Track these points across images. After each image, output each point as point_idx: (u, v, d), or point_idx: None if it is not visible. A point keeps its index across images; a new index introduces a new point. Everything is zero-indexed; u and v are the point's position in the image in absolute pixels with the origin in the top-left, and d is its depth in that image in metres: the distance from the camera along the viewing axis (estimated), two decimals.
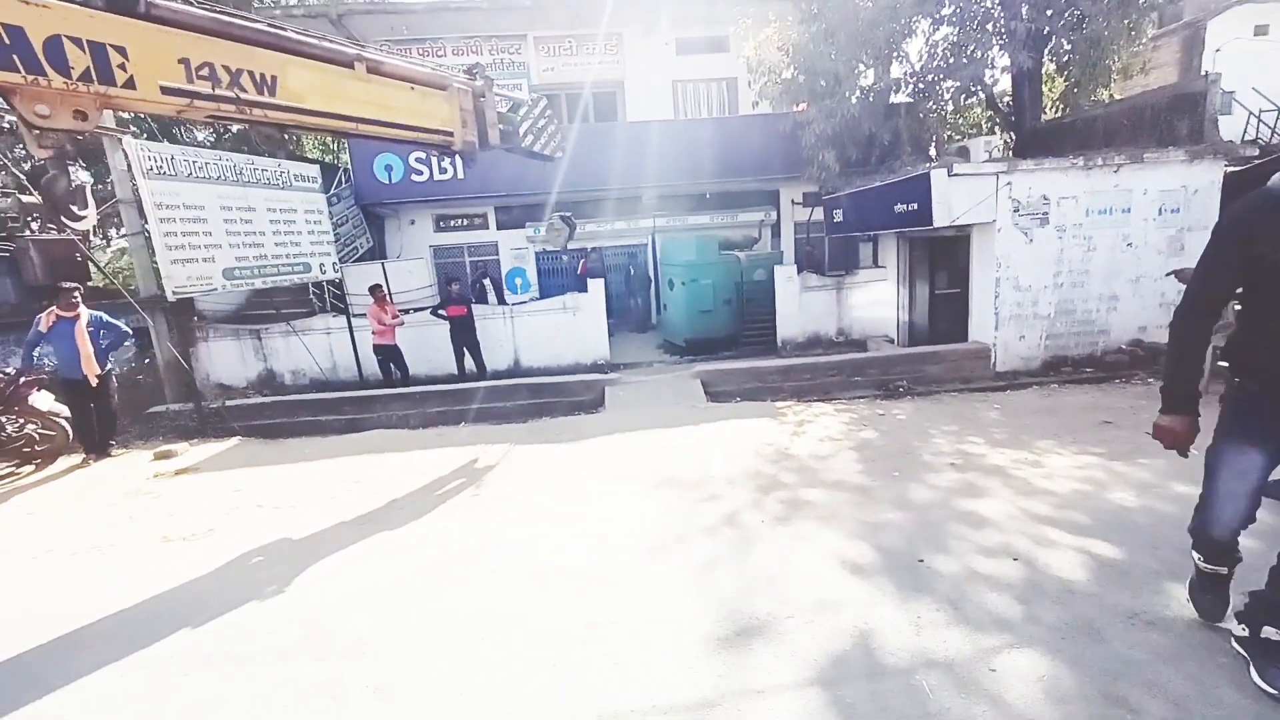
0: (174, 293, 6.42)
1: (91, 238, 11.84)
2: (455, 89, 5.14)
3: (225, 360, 9.12)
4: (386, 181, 11.21)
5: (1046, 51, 9.59)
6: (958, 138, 12.02)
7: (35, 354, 5.42)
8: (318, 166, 8.81)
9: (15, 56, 2.98)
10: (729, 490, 3.84)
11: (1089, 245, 7.04)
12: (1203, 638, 2.13)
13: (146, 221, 6.48)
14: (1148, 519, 3.06)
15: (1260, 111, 12.07)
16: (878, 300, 9.83)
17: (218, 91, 3.73)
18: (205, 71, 3.66)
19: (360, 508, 4.01)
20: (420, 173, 11.25)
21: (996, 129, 11.32)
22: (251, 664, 2.41)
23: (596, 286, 9.54)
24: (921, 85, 10.04)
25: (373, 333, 8.19)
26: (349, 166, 11.43)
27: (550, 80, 13.01)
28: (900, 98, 10.44)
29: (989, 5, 9.37)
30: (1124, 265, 7.10)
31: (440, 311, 8.49)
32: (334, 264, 8.81)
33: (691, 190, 12.43)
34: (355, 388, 8.74)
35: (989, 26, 9.43)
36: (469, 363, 8.79)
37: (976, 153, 8.87)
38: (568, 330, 9.61)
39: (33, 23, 3.00)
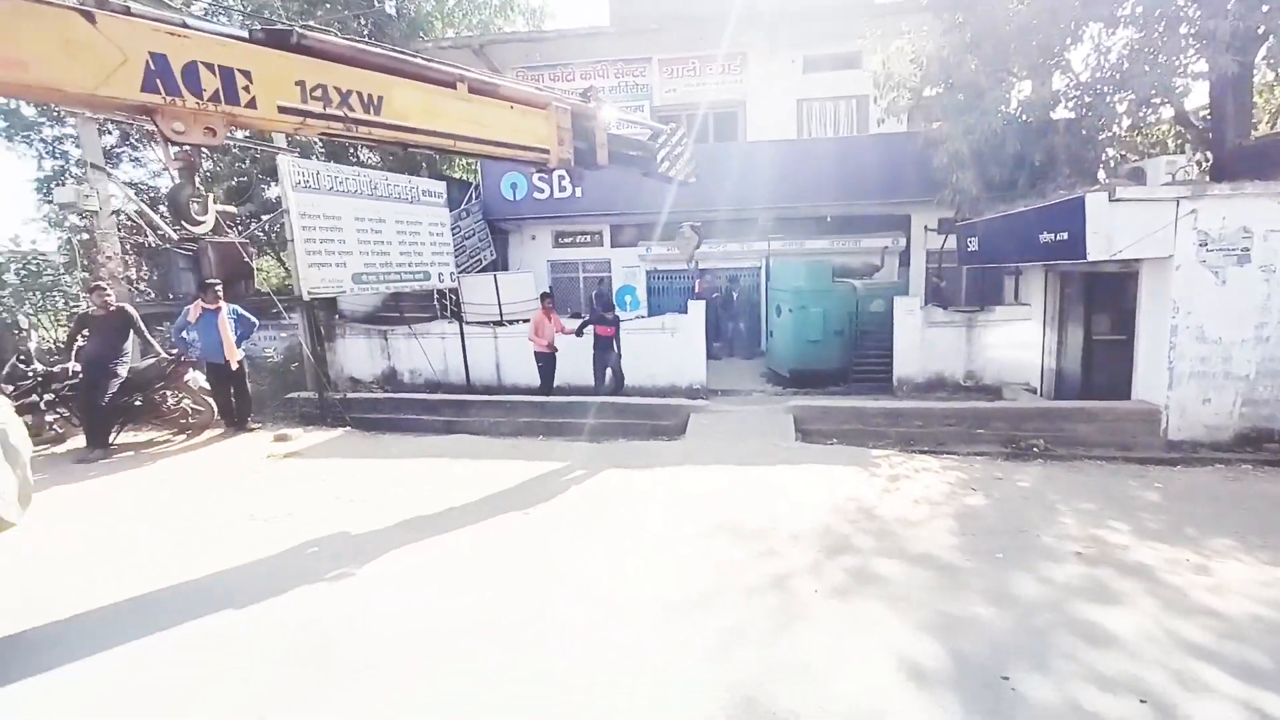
0: (309, 293, 7.15)
1: (264, 239, 13.76)
2: (555, 108, 5.22)
3: (356, 356, 10.07)
4: (511, 198, 11.88)
5: (1260, 55, 7.88)
6: (1134, 158, 10.28)
7: (183, 337, 6.25)
8: (444, 183, 9.48)
9: (158, 80, 3.41)
10: (789, 547, 3.39)
11: None
12: None
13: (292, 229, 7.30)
14: None
15: None
16: (1018, 342, 8.58)
17: (328, 110, 4.03)
18: (318, 92, 3.96)
19: (418, 511, 4.09)
20: (542, 191, 11.79)
21: (1187, 147, 9.51)
22: (264, 656, 2.45)
23: (696, 309, 9.29)
24: (1088, 98, 8.69)
25: (530, 339, 8.22)
26: (479, 183, 12.28)
27: (672, 101, 13.09)
28: (1062, 112, 9.14)
29: (1181, 2, 7.90)
30: None
31: (584, 330, 8.22)
32: (451, 273, 9.40)
33: (811, 213, 11.82)
34: (462, 391, 9.21)
35: (1180, 28, 7.95)
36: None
37: (1156, 175, 7.47)
38: (665, 351, 9.44)
39: (174, 50, 3.40)
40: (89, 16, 3.16)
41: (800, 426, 6.44)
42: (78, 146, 14.13)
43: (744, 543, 3.47)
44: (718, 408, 7.54)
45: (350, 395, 8.18)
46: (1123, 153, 10.47)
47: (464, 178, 13.47)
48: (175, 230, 8.11)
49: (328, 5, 14.15)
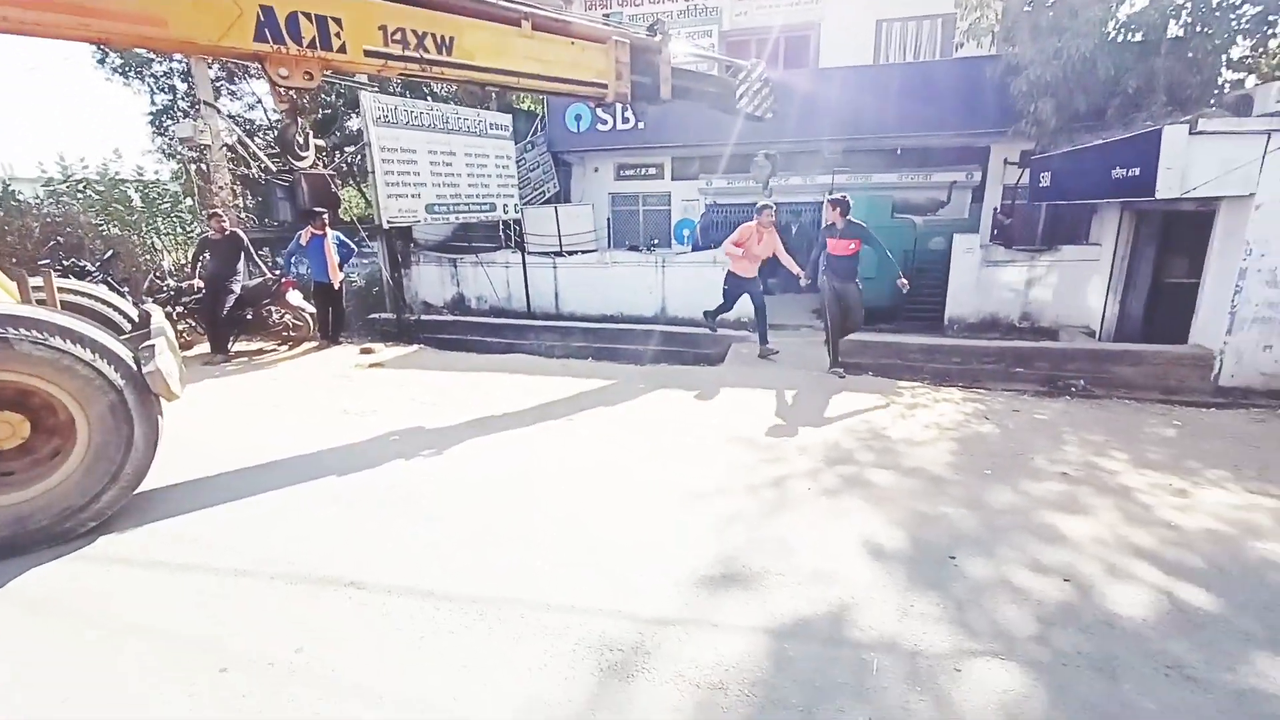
0: (388, 222, 7.89)
1: (348, 170, 14.69)
2: (613, 42, 5.44)
3: (429, 282, 10.93)
4: (575, 130, 12.07)
5: None
6: (1258, 81, 9.18)
7: (293, 261, 7.14)
8: (510, 116, 9.83)
9: (267, 30, 3.95)
10: (796, 456, 3.83)
11: None
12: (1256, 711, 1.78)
13: (373, 161, 7.97)
14: None
15: None
16: (1082, 284, 8.27)
17: (406, 53, 4.49)
18: (398, 36, 4.41)
19: (481, 412, 4.78)
20: (605, 123, 11.89)
21: None
22: (362, 506, 3.20)
23: None
24: (1203, 11, 7.81)
25: (729, 254, 6.81)
26: (544, 115, 12.52)
27: (743, 25, 12.62)
28: (1174, 29, 8.26)
29: None
30: None
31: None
32: (515, 205, 9.92)
33: (881, 145, 11.39)
34: (523, 316, 9.92)
35: None
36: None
37: (1265, 103, 6.83)
38: (717, 285, 9.68)
39: (279, 3, 3.92)
40: None
41: (839, 358, 6.69)
42: (183, 81, 15.38)
43: (757, 451, 3.93)
44: None
45: (424, 317, 9.05)
46: (1241, 76, 9.39)
47: (531, 108, 13.70)
48: (275, 163, 8.98)
49: None
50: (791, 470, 3.61)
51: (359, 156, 11.63)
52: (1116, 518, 2.99)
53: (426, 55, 4.62)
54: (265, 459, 3.83)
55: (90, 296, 4.29)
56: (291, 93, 4.47)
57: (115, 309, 4.30)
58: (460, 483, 3.49)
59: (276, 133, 4.37)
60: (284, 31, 4.02)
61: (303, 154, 4.58)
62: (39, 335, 2.62)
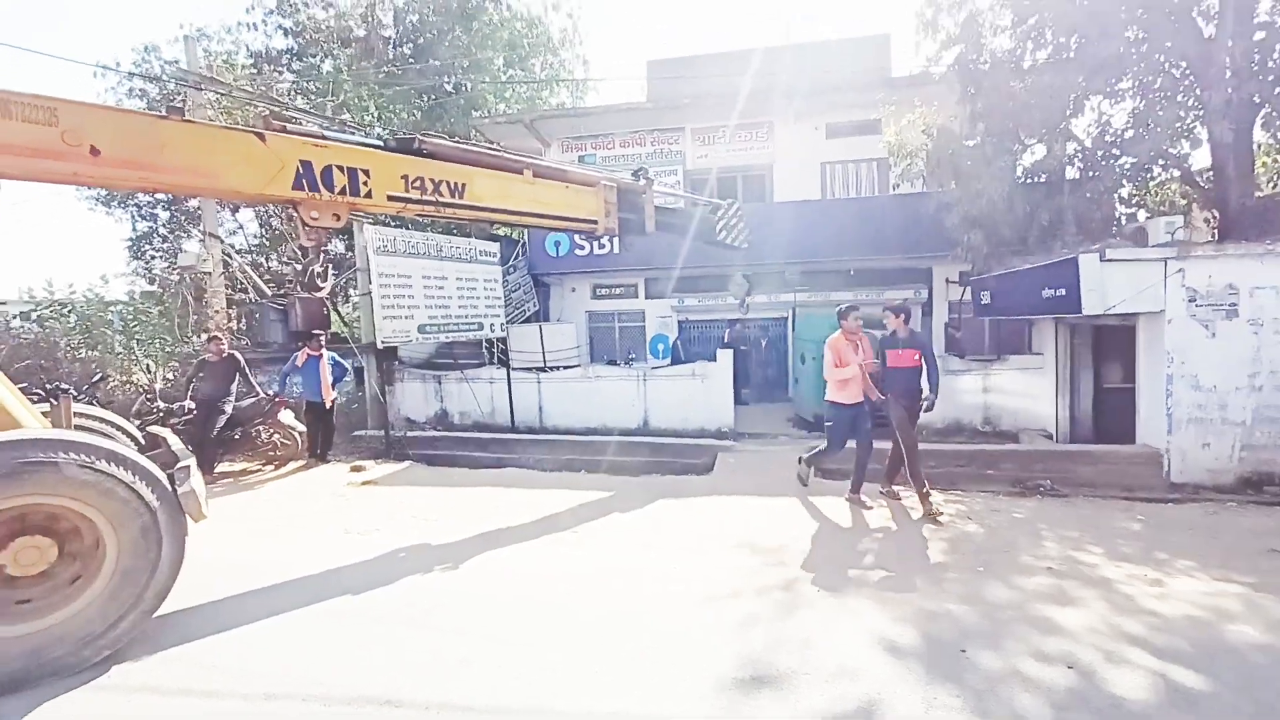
0: (383, 341, 8.18)
1: (336, 295, 15.24)
2: (602, 185, 6.18)
3: (413, 398, 11.05)
4: (554, 255, 12.97)
5: (1258, 121, 8.46)
6: (1146, 215, 10.77)
7: (288, 381, 7.26)
8: (498, 243, 10.60)
9: (304, 180, 4.44)
10: (797, 559, 3.99)
11: None
12: None
13: (371, 286, 8.42)
14: (1267, 659, 2.68)
15: None
16: (1031, 390, 9.01)
17: (423, 197, 5.04)
18: (418, 183, 4.96)
19: (485, 527, 4.81)
20: (583, 248, 12.84)
21: (1194, 206, 9.99)
22: (384, 624, 3.18)
23: (725, 356, 10.00)
24: (1092, 162, 9.35)
25: (833, 378, 5.42)
26: (525, 241, 13.46)
27: (704, 165, 14.18)
28: (1070, 173, 9.80)
29: (1176, 75, 8.60)
30: None
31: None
32: (501, 324, 10.40)
33: (835, 266, 12.55)
34: (507, 431, 10.04)
35: (1178, 97, 8.62)
36: None
37: (1156, 234, 8.05)
38: (696, 396, 10.12)
39: (317, 158, 4.44)
40: (261, 136, 4.22)
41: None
42: (166, 209, 16.12)
43: (760, 555, 4.08)
44: (744, 448, 8.15)
45: (409, 434, 9.08)
46: (1133, 210, 11.01)
47: (513, 235, 14.72)
48: (269, 288, 9.38)
49: (395, 88, 15.97)
50: (796, 573, 3.76)
51: (346, 281, 12.18)
52: (1104, 608, 3.22)
53: (441, 199, 5.18)
54: (273, 580, 3.77)
55: (99, 420, 4.35)
56: (317, 232, 4.91)
57: (124, 431, 4.35)
58: (479, 596, 3.51)
59: (301, 266, 4.71)
60: (319, 181, 4.52)
61: (322, 285, 4.94)
62: (85, 459, 2.71)
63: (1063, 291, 6.87)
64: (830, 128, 13.77)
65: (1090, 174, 9.46)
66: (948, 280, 12.35)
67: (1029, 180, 9.54)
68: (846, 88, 12.85)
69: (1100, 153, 9.28)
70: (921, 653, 2.79)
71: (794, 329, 12.98)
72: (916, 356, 5.41)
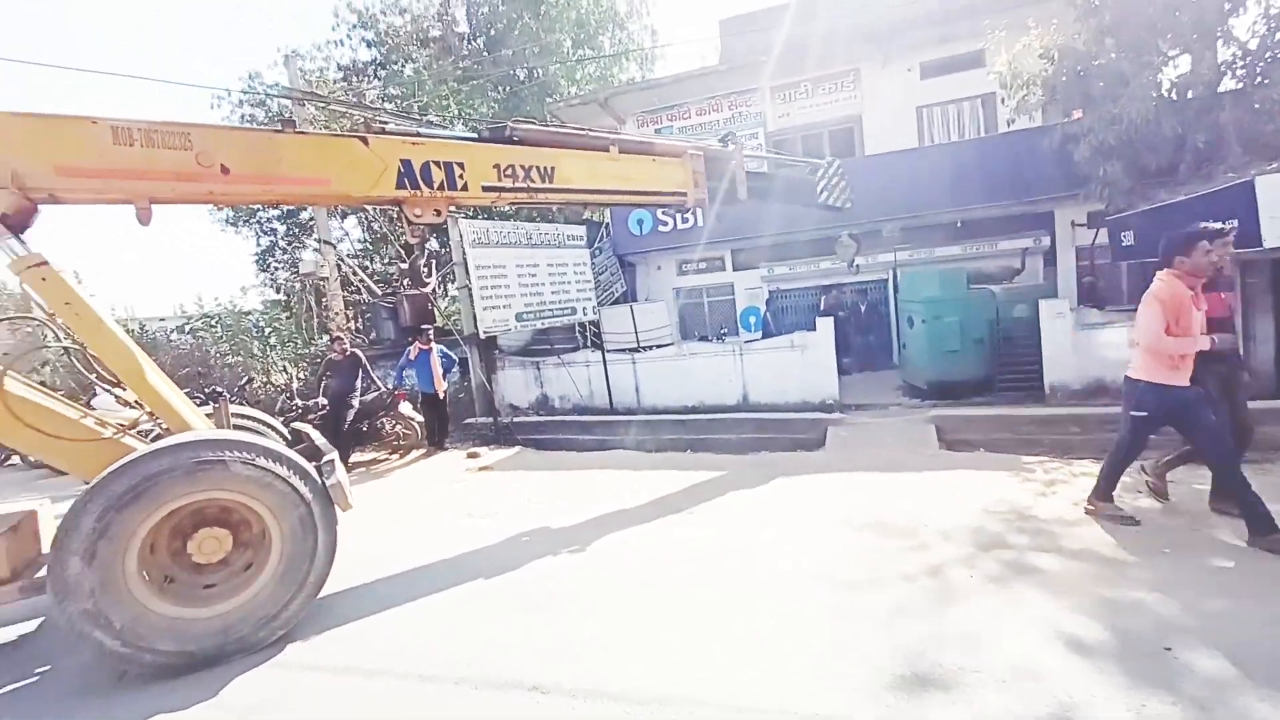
0: (484, 332, 8.46)
1: (437, 290, 16.07)
2: (688, 154, 5.96)
3: (514, 385, 11.41)
4: (638, 234, 12.87)
5: None
6: None
7: (404, 375, 7.69)
8: (584, 227, 10.62)
9: (406, 179, 4.55)
10: (939, 543, 3.66)
11: None
12: None
13: (470, 279, 8.70)
14: None
15: None
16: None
17: (516, 184, 5.04)
18: (509, 171, 4.98)
19: (600, 509, 4.84)
20: (665, 224, 12.67)
21: None
22: (516, 607, 3.24)
23: (825, 325, 9.50)
24: (1260, 66, 7.88)
25: (1163, 356, 3.50)
26: (609, 222, 13.44)
27: (785, 125, 13.46)
28: (1229, 84, 8.34)
29: None
30: None
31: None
32: (593, 307, 10.46)
33: (939, 220, 11.57)
34: (606, 412, 10.15)
35: None
36: None
37: None
38: (795, 368, 9.72)
39: (416, 155, 4.53)
40: (364, 140, 4.33)
41: (943, 436, 6.49)
42: (281, 223, 17.55)
43: (896, 538, 3.79)
44: (855, 420, 7.73)
45: (515, 419, 9.39)
46: None
47: (595, 218, 14.75)
48: (379, 287, 10.00)
49: (473, 82, 16.33)
50: (942, 557, 3.44)
51: (444, 276, 12.75)
52: None
53: (533, 185, 5.16)
54: (411, 564, 3.98)
55: (252, 419, 4.74)
56: (421, 229, 5.05)
57: (272, 429, 4.72)
58: (604, 579, 3.51)
59: (406, 265, 4.90)
60: (419, 178, 4.61)
61: (427, 280, 5.10)
62: (248, 456, 2.92)
63: (1235, 223, 5.84)
64: (925, 67, 12.59)
65: (1259, 80, 8.00)
66: (1073, 224, 11.05)
67: (1174, 97, 8.22)
68: (941, 19, 11.65)
69: (1269, 54, 7.81)
70: (1113, 651, 2.45)
71: (897, 290, 12.13)
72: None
